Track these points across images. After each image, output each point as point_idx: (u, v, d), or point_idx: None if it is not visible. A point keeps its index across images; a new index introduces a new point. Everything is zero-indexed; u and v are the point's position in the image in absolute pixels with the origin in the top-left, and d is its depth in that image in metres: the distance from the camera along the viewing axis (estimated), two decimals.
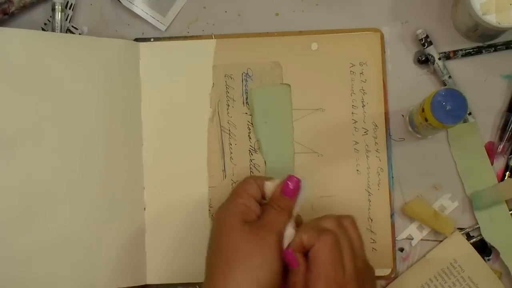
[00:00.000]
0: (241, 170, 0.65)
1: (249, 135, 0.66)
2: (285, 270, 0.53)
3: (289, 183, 0.55)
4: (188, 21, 0.67)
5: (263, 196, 0.57)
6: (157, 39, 0.67)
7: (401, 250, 0.64)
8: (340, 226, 0.53)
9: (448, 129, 0.64)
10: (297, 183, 0.55)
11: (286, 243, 0.53)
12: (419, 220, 0.64)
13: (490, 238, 0.63)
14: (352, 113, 0.65)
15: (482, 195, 0.63)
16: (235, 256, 0.52)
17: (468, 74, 0.65)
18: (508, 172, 0.64)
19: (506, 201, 0.64)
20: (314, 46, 0.65)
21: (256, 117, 0.65)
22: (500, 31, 0.62)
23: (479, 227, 0.64)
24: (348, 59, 0.65)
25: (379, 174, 0.64)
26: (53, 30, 0.65)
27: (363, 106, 0.65)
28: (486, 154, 0.64)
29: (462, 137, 0.64)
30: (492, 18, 0.57)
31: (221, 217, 0.55)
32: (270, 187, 0.56)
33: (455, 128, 0.63)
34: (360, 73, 0.65)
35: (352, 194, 0.64)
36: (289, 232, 0.53)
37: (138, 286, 0.64)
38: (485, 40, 0.65)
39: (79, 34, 0.66)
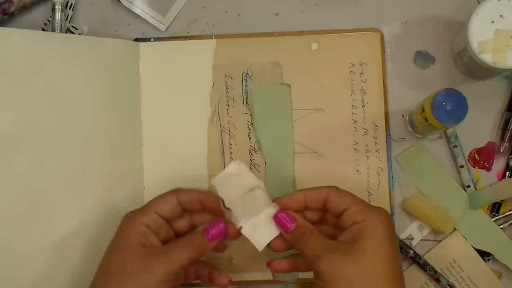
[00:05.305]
0: None
1: (249, 135, 0.66)
2: None
3: (215, 225, 0.52)
4: (188, 21, 0.67)
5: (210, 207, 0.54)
6: (157, 39, 0.67)
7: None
8: None
9: (398, 158, 0.64)
10: (223, 230, 0.52)
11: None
12: (419, 217, 0.64)
13: (478, 244, 0.63)
14: (352, 113, 0.65)
15: (480, 195, 0.63)
16: (116, 277, 0.50)
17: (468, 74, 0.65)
18: (508, 172, 0.64)
19: (505, 201, 0.64)
20: (314, 46, 0.65)
21: (256, 117, 0.65)
22: (489, 72, 0.61)
23: None
24: (348, 59, 0.65)
25: (379, 174, 0.64)
26: (53, 30, 0.65)
27: (363, 106, 0.65)
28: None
29: (414, 161, 0.64)
30: (488, 58, 0.57)
31: (122, 232, 0.53)
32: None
33: (404, 155, 0.64)
34: (360, 73, 0.65)
35: None
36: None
37: None
38: (468, 74, 0.64)
39: (79, 34, 0.66)
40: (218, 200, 0.53)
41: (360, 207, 0.51)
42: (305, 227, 0.52)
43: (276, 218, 0.52)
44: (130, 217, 0.54)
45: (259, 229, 0.52)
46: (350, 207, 0.51)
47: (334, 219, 0.54)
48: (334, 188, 0.54)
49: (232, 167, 0.52)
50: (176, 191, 0.54)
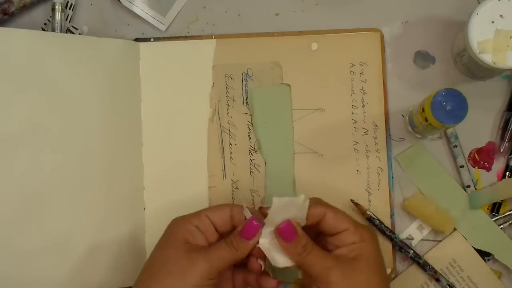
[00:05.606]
0: (241, 170, 0.65)
1: (249, 135, 0.66)
2: None
3: (253, 223, 0.53)
4: (188, 21, 0.67)
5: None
6: (157, 39, 0.67)
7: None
8: None
9: (398, 158, 0.64)
10: (256, 228, 0.53)
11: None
12: (419, 217, 0.64)
13: (478, 244, 0.63)
14: (352, 113, 0.65)
15: (480, 195, 0.63)
16: (159, 271, 0.51)
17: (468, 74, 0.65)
18: (508, 172, 0.64)
19: (505, 201, 0.64)
20: (314, 46, 0.65)
21: (256, 117, 0.65)
22: (489, 72, 0.61)
23: None
24: (348, 59, 0.65)
25: (379, 174, 0.64)
26: (53, 30, 0.65)
27: (363, 106, 0.65)
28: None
29: (414, 161, 0.64)
30: (488, 58, 0.57)
31: (170, 230, 0.54)
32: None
33: (404, 155, 0.64)
34: (360, 73, 0.65)
35: (352, 194, 0.64)
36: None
37: None
38: (468, 74, 0.64)
39: (79, 34, 0.66)
40: (242, 208, 0.54)
41: (355, 228, 0.54)
42: (307, 239, 0.53)
43: (278, 229, 0.52)
44: (180, 219, 0.55)
45: (275, 250, 0.53)
46: (349, 228, 0.54)
47: (325, 237, 0.55)
48: (330, 208, 0.54)
49: (300, 200, 0.52)
50: (231, 204, 0.56)
